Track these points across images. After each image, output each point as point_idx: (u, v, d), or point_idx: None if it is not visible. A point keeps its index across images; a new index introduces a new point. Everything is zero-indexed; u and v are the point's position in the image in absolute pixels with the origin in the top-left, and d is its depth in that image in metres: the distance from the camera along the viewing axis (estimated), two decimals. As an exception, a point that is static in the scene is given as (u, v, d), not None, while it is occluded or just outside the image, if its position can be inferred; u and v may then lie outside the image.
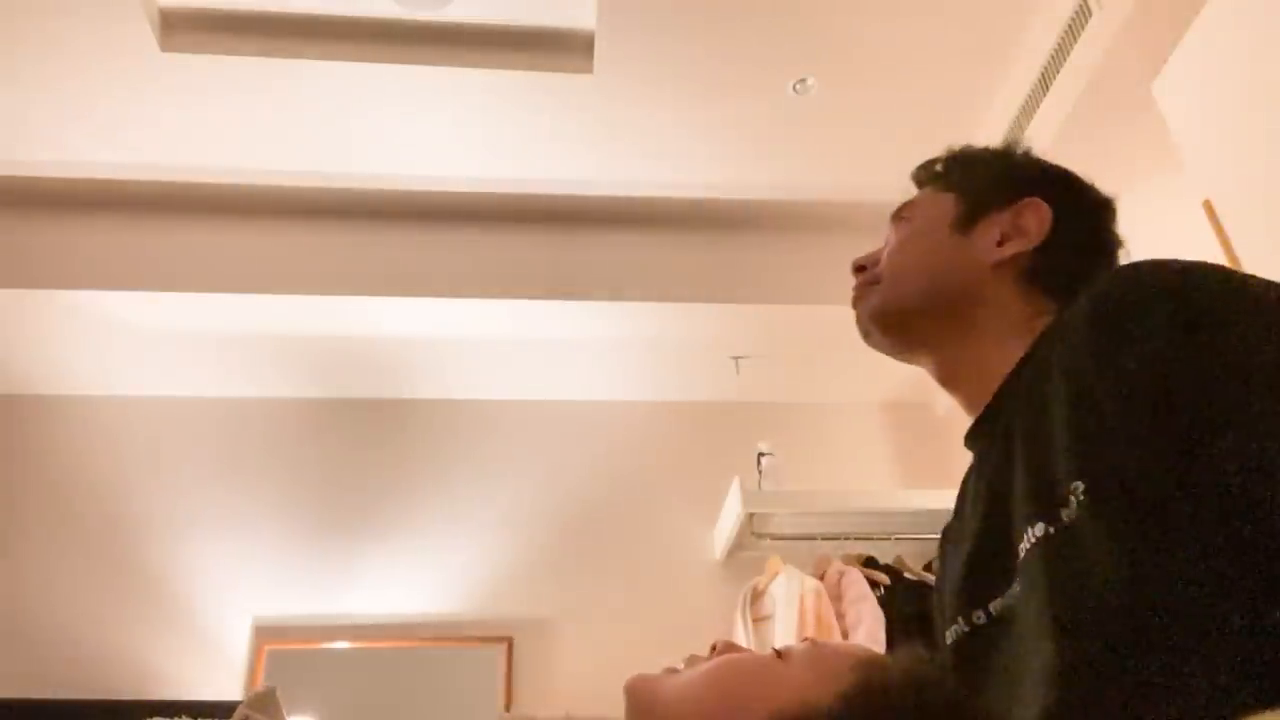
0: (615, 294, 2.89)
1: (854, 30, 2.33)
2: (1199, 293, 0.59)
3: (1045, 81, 2.30)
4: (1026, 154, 0.91)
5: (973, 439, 0.81)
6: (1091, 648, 0.54)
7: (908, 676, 0.55)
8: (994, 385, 0.76)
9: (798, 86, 2.48)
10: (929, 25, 2.34)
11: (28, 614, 2.91)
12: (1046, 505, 0.60)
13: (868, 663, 0.56)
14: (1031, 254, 0.81)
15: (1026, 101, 2.39)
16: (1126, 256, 0.86)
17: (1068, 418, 0.61)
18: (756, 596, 2.89)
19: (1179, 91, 1.74)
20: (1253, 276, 0.61)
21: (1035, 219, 0.82)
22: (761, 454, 2.93)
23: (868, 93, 2.49)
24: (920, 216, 0.88)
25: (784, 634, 2.60)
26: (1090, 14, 2.11)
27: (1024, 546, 0.63)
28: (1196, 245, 1.70)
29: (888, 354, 0.89)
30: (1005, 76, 2.48)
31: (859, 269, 0.90)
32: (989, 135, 2.53)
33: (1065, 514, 0.58)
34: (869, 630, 2.54)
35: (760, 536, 2.90)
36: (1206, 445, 0.53)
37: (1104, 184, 0.89)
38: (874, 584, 2.71)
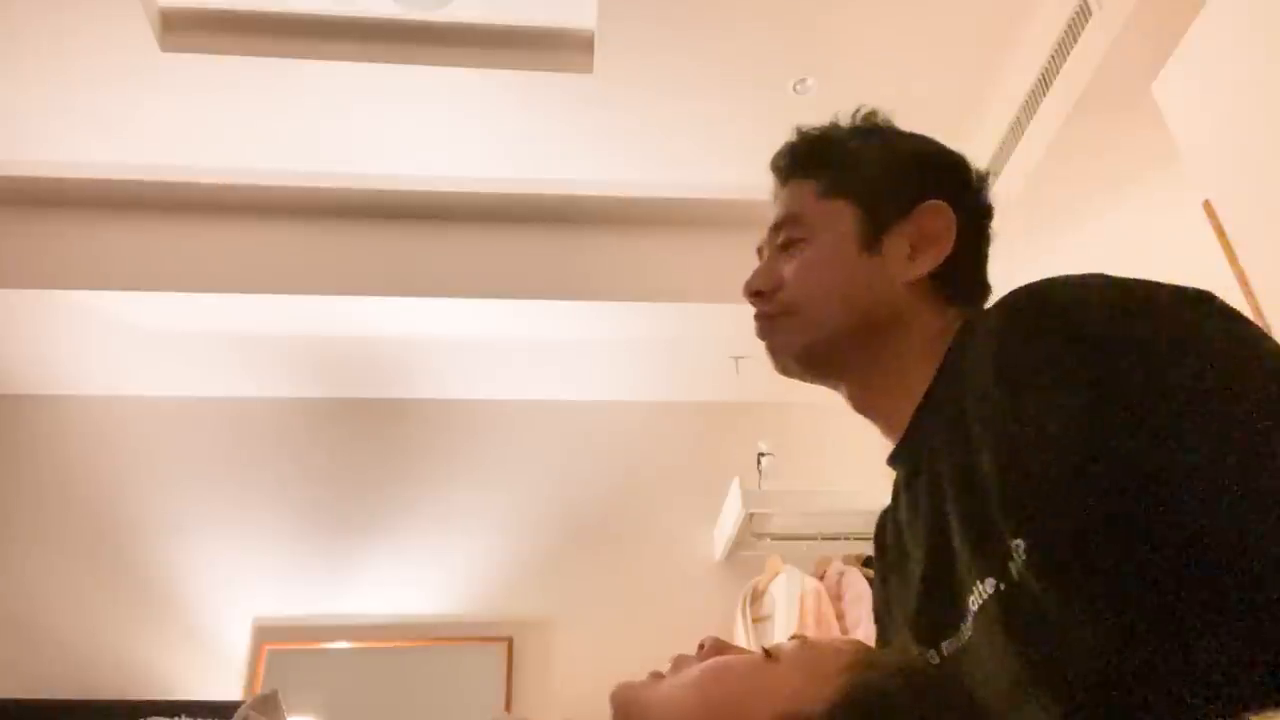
0: (615, 294, 2.88)
1: (854, 30, 2.33)
2: (1109, 325, 0.56)
3: (1045, 81, 2.30)
4: (893, 132, 0.84)
5: (895, 460, 0.79)
6: (1079, 708, 0.54)
7: (901, 677, 0.54)
8: (912, 406, 0.74)
9: (798, 86, 2.48)
10: (929, 25, 2.34)
11: (27, 614, 2.91)
12: (993, 560, 0.59)
13: (860, 663, 0.55)
14: (941, 263, 0.76)
15: (1026, 101, 2.39)
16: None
17: (996, 468, 0.59)
18: (756, 596, 2.89)
19: (1179, 91, 1.74)
20: (1162, 289, 0.58)
21: (941, 225, 0.77)
22: (761, 454, 2.93)
23: (868, 93, 2.47)
24: (819, 235, 0.79)
25: (784, 634, 2.60)
26: (1090, 14, 2.11)
27: (975, 599, 0.61)
28: (1196, 245, 1.70)
29: (801, 380, 0.83)
30: (1005, 76, 2.47)
31: (757, 294, 0.82)
32: (989, 135, 2.53)
33: (1013, 568, 0.57)
34: (868, 631, 2.53)
35: (760, 536, 2.90)
36: (1143, 488, 0.51)
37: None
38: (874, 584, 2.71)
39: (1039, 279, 0.62)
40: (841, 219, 0.79)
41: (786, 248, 0.81)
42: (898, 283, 0.76)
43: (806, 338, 0.79)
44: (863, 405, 0.81)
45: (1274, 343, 0.55)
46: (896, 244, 0.77)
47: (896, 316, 0.76)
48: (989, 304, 0.69)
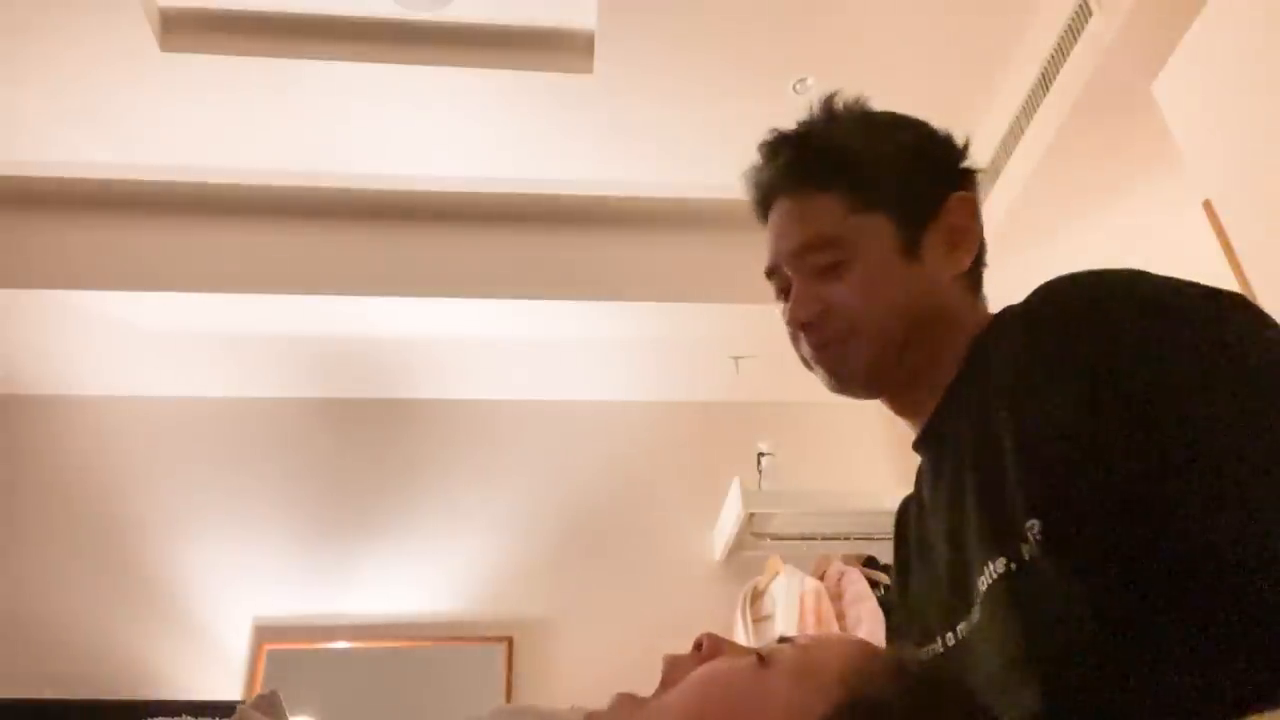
0: (615, 294, 2.88)
1: (854, 30, 2.33)
2: (1135, 321, 0.57)
3: (1045, 81, 2.30)
4: (887, 124, 0.84)
5: (921, 446, 0.80)
6: (1070, 688, 0.54)
7: (898, 685, 0.53)
8: (939, 394, 0.75)
9: (798, 86, 2.48)
10: (929, 25, 2.34)
11: (28, 614, 2.91)
12: (1006, 541, 0.60)
13: (856, 673, 0.54)
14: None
15: (1026, 101, 2.39)
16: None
17: (1015, 451, 0.60)
18: (756, 596, 2.89)
19: (1179, 91, 1.74)
20: (1186, 285, 0.59)
21: (969, 216, 0.79)
22: (761, 454, 2.93)
23: (867, 93, 2.48)
24: (862, 254, 0.77)
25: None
26: (1090, 14, 2.10)
27: (985, 580, 0.62)
28: (1196, 245, 1.70)
29: (858, 398, 0.83)
30: (1005, 76, 2.47)
31: (806, 325, 0.79)
32: (989, 135, 2.53)
33: (1026, 550, 0.58)
34: (869, 630, 2.54)
35: (760, 536, 2.89)
36: (1155, 475, 0.52)
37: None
38: (874, 584, 2.71)
39: (1074, 271, 0.64)
40: (879, 232, 0.78)
41: (827, 271, 0.78)
42: (942, 284, 0.78)
43: (873, 356, 0.77)
44: (902, 408, 0.81)
45: None
46: (934, 247, 0.78)
47: (949, 314, 0.77)
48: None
